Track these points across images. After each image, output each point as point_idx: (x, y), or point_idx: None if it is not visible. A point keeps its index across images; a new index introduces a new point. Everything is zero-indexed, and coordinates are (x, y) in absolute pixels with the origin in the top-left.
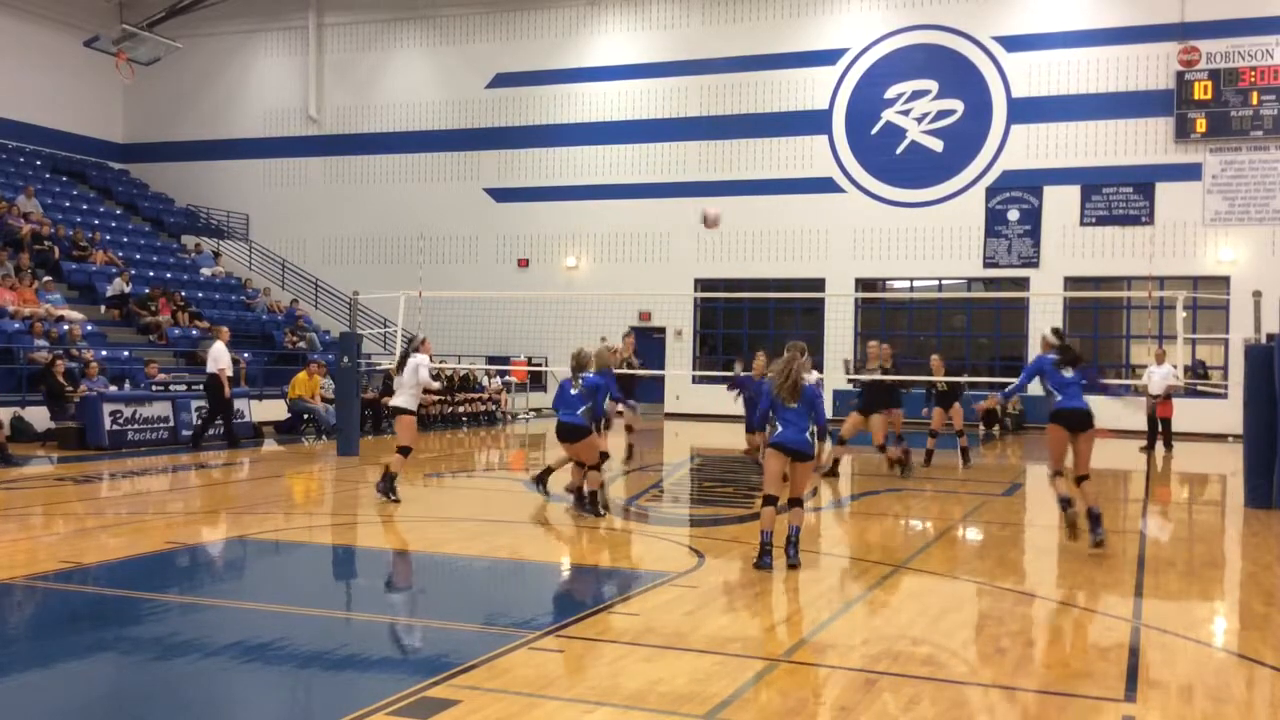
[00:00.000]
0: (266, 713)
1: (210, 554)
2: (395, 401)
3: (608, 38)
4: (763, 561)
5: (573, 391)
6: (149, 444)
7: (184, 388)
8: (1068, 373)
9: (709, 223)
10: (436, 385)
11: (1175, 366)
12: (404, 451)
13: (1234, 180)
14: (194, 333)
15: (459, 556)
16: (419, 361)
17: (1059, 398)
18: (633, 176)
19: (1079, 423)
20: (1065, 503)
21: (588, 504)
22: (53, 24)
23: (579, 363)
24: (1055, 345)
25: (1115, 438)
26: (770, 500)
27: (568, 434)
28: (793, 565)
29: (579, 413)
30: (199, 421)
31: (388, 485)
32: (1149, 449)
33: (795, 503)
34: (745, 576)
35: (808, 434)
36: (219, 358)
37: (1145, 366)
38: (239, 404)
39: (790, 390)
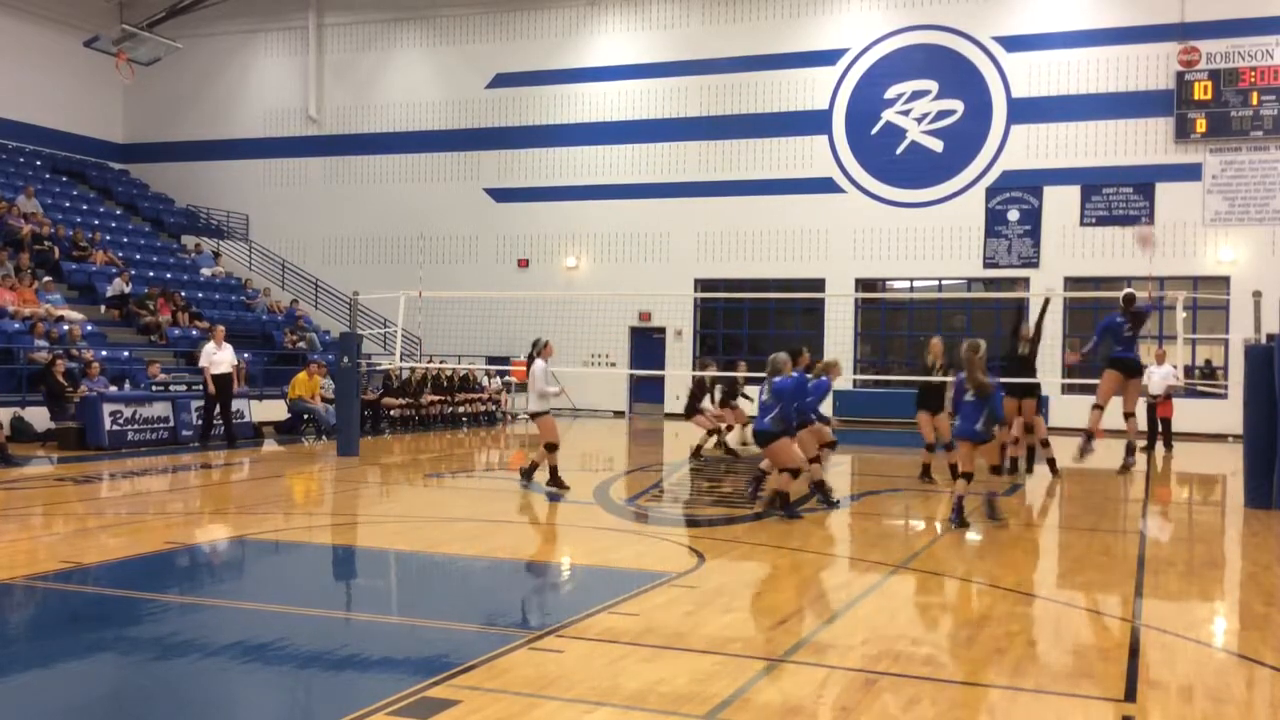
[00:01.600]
0: (266, 713)
1: (210, 554)
2: (529, 407)
3: (608, 38)
4: (956, 518)
5: (763, 398)
6: (149, 444)
7: (184, 388)
8: (1129, 333)
9: (1145, 241)
10: (554, 390)
11: (1175, 366)
12: (551, 448)
13: (1234, 180)
14: (194, 333)
15: (459, 556)
16: (540, 367)
17: (1118, 349)
18: (633, 176)
19: (1132, 370)
20: (1088, 436)
21: (778, 506)
22: (53, 24)
23: (774, 368)
24: (1125, 311)
25: (1111, 437)
26: (966, 476)
27: (760, 440)
28: (995, 521)
29: (767, 420)
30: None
31: (555, 480)
32: (1149, 449)
33: (994, 469)
34: (745, 576)
35: (978, 425)
36: (203, 356)
37: (1145, 367)
38: (238, 404)
39: (978, 384)
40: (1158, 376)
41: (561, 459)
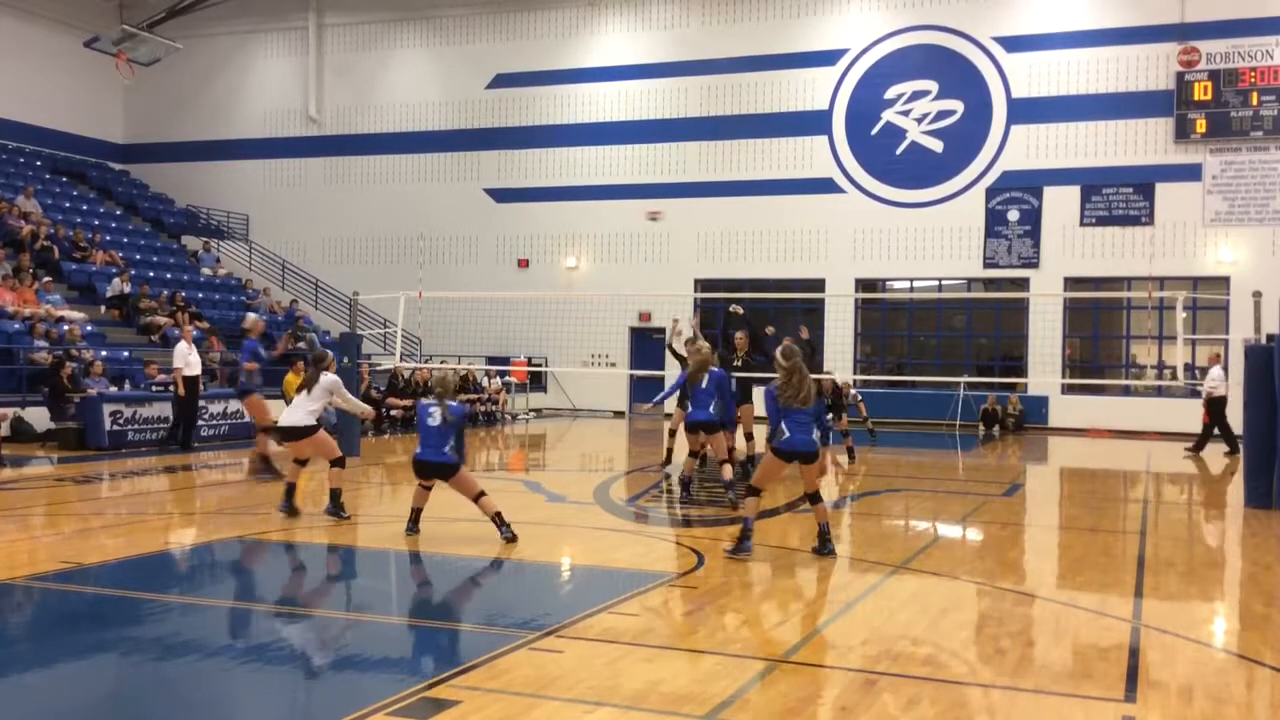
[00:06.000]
0: (266, 713)
1: (210, 554)
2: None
3: (608, 38)
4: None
5: (431, 423)
6: (149, 444)
7: None
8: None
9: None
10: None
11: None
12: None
13: (1234, 180)
14: (195, 333)
15: (459, 556)
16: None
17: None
18: (633, 176)
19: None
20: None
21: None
22: (53, 24)
23: (444, 389)
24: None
25: (1111, 437)
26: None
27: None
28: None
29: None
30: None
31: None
32: (1232, 451)
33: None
34: (745, 576)
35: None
36: (176, 356)
37: (1145, 367)
38: (239, 404)
39: (803, 397)
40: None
41: (561, 459)
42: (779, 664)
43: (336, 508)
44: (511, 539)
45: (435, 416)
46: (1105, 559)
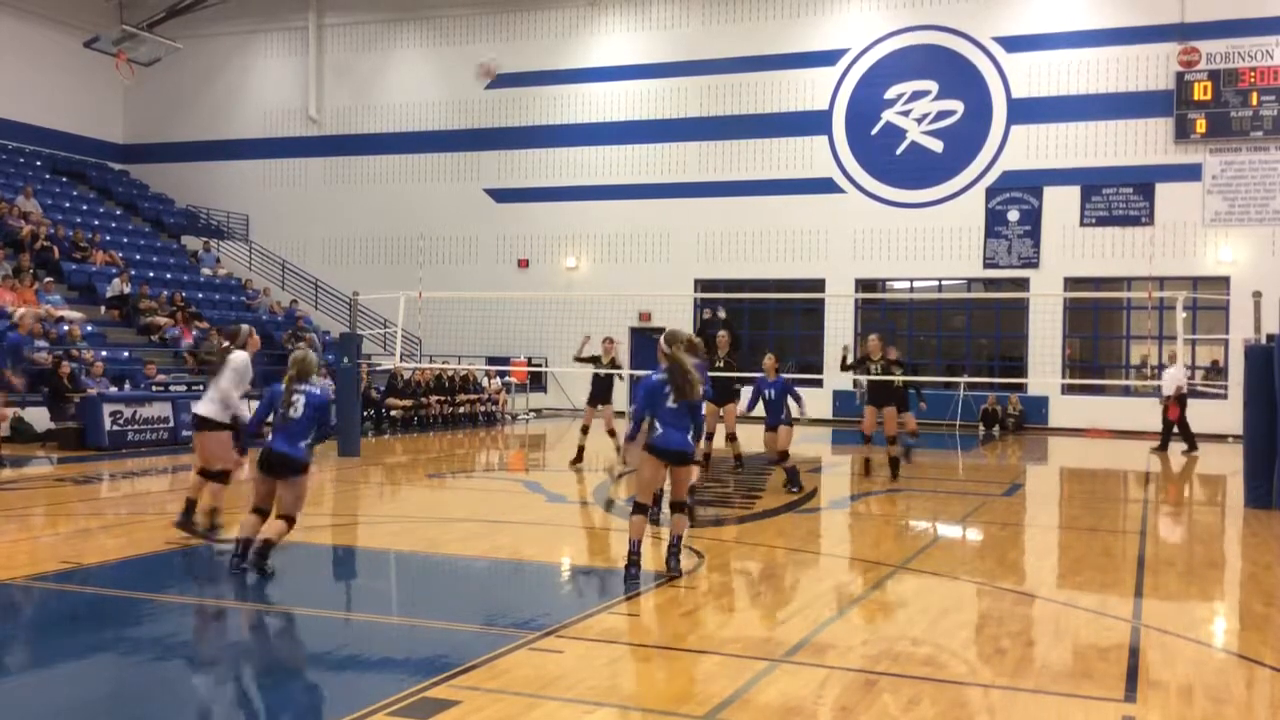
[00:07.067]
0: (266, 713)
1: (210, 554)
2: None
3: (608, 38)
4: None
5: (293, 413)
6: (149, 444)
7: (184, 388)
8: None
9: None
10: None
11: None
12: None
13: (1234, 180)
14: (194, 333)
15: (459, 556)
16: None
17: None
18: (633, 177)
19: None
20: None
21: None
22: (53, 24)
23: (306, 369)
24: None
25: (1110, 437)
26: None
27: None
28: (674, 575)
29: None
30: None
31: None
32: (1163, 449)
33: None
34: (745, 576)
35: (689, 435)
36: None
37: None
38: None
39: (690, 389)
40: (1167, 377)
41: (561, 459)
42: (779, 664)
43: (208, 525)
44: (266, 574)
45: (298, 406)
46: (1105, 559)
